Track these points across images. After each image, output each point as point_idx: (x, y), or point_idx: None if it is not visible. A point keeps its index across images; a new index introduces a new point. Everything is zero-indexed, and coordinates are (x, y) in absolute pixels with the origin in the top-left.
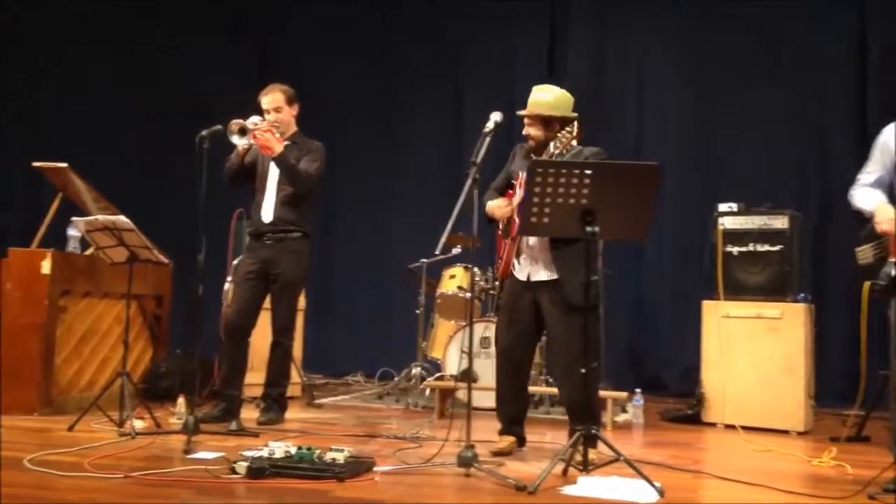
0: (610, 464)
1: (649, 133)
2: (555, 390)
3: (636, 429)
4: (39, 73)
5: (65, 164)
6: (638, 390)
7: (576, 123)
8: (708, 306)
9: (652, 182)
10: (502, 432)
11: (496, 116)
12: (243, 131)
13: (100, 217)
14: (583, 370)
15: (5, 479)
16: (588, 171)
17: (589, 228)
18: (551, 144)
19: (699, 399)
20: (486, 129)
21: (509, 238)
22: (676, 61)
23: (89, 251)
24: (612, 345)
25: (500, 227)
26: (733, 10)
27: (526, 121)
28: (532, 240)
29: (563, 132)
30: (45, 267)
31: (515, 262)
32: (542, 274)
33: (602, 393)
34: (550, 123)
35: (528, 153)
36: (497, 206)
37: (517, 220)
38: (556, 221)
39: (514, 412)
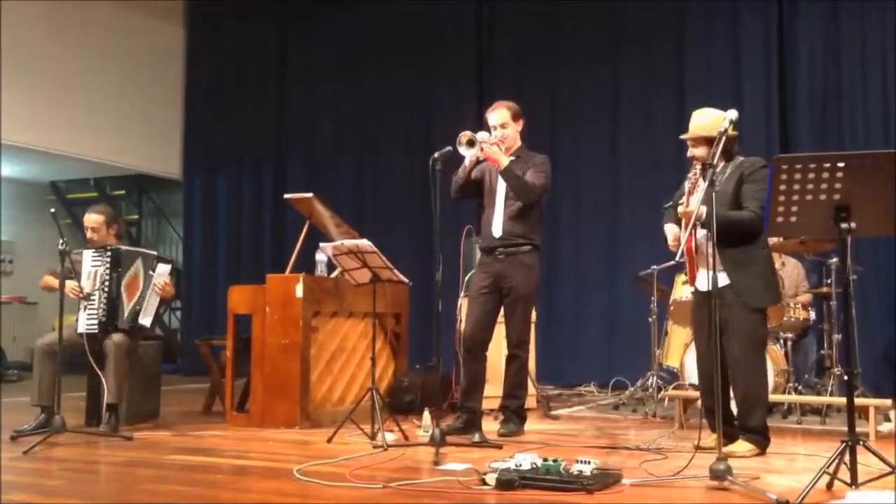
0: (881, 477)
1: None
2: (807, 399)
3: None
4: (282, 111)
5: (310, 195)
6: None
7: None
8: None
9: None
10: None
11: (731, 115)
12: (472, 143)
13: (345, 242)
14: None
15: (278, 487)
16: (840, 164)
17: (844, 225)
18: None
19: None
20: (721, 129)
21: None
22: None
23: (334, 274)
24: (867, 348)
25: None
26: None
27: (689, 143)
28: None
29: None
30: (299, 291)
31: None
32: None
33: (863, 400)
34: (712, 143)
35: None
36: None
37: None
38: (805, 220)
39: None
